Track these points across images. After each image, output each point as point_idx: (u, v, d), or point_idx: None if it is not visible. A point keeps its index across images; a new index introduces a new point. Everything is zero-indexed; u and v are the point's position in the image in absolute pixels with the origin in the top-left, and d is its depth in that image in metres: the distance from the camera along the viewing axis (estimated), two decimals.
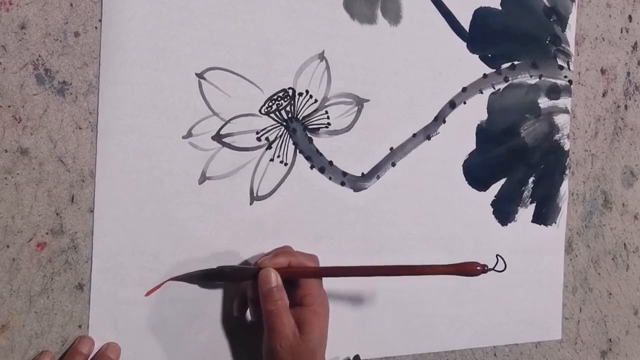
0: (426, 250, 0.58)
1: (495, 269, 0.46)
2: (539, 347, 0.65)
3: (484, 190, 0.62)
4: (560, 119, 0.66)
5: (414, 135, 0.58)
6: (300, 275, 0.47)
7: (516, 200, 0.64)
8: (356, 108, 0.55)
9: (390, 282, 0.54)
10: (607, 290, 0.71)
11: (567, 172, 0.67)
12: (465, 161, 0.60)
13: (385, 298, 0.56)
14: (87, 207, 0.45)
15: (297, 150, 0.52)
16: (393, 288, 0.56)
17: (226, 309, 0.50)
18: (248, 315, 0.50)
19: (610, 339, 0.71)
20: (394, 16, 0.56)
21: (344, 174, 0.54)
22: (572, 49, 0.67)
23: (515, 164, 0.63)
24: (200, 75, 0.48)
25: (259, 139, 0.51)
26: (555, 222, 0.66)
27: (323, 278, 0.49)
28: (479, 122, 0.61)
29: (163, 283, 0.47)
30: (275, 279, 0.45)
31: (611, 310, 0.71)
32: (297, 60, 0.52)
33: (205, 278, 0.48)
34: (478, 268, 0.46)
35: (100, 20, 0.45)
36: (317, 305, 0.46)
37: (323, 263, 0.50)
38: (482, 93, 0.61)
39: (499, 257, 0.47)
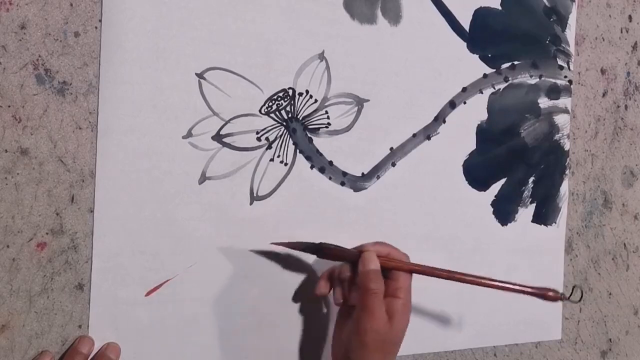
0: (426, 250, 0.58)
1: (571, 299, 0.51)
2: (539, 347, 0.65)
3: (484, 190, 0.62)
4: (560, 119, 0.66)
5: (414, 135, 0.58)
6: (397, 268, 0.48)
7: (516, 200, 0.64)
8: (356, 108, 0.55)
9: None
10: (607, 290, 0.71)
11: (567, 172, 0.67)
12: (465, 161, 0.60)
13: None
14: (87, 207, 0.45)
15: (297, 150, 0.52)
16: None
17: (226, 310, 0.50)
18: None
19: (610, 339, 0.71)
20: (394, 16, 0.56)
21: (344, 174, 0.54)
22: (572, 49, 0.67)
23: (515, 164, 0.63)
24: (200, 75, 0.48)
25: (259, 139, 0.51)
26: (555, 222, 0.66)
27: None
28: (479, 122, 0.61)
29: (164, 283, 0.47)
30: (376, 263, 0.48)
31: (611, 310, 0.71)
32: (297, 60, 0.52)
33: (305, 250, 0.49)
34: (557, 295, 0.50)
35: (100, 20, 0.45)
36: (407, 299, 0.48)
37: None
38: (482, 93, 0.61)
39: (575, 288, 0.52)
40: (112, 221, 0.46)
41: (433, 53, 0.58)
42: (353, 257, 0.49)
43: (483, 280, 0.50)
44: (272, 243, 0.50)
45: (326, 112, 0.54)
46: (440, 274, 0.50)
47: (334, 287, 0.50)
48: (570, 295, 0.51)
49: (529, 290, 0.50)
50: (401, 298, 0.48)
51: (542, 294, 0.50)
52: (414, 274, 0.50)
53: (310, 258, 0.52)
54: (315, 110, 0.53)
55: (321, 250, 0.49)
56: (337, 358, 0.49)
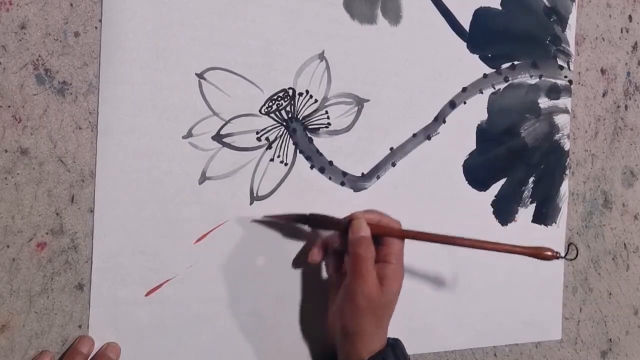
0: (426, 250, 0.58)
1: (567, 257, 0.51)
2: (539, 347, 0.65)
3: (484, 190, 0.62)
4: (560, 119, 0.66)
5: (414, 135, 0.58)
6: (387, 234, 0.49)
7: (516, 200, 0.64)
8: (356, 108, 0.55)
9: None
10: (607, 290, 0.71)
11: (567, 172, 0.67)
12: (465, 161, 0.60)
13: None
14: (87, 207, 0.45)
15: (297, 150, 0.52)
16: None
17: (226, 310, 0.50)
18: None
19: (610, 339, 0.71)
20: (394, 16, 0.56)
21: (344, 174, 0.54)
22: (572, 49, 0.67)
23: (515, 164, 0.63)
24: (200, 75, 0.48)
25: (259, 139, 0.51)
26: (555, 222, 0.66)
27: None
28: (479, 122, 0.61)
29: (164, 283, 0.47)
30: (366, 229, 0.48)
31: (611, 310, 0.71)
32: (297, 60, 0.52)
33: (295, 221, 0.50)
34: (551, 254, 0.49)
35: (100, 20, 0.45)
36: (399, 264, 0.49)
37: None
38: (482, 93, 0.61)
39: (570, 246, 0.52)
40: (112, 221, 0.46)
41: (433, 53, 0.58)
42: (343, 225, 0.49)
43: (476, 243, 0.50)
44: (265, 216, 0.50)
45: (326, 112, 0.54)
46: (432, 238, 0.50)
47: (326, 257, 0.51)
48: (567, 254, 0.51)
49: (524, 250, 0.50)
50: (392, 263, 0.48)
51: (537, 253, 0.50)
52: (408, 240, 0.50)
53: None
54: (315, 110, 0.53)
55: (311, 219, 0.50)
56: (333, 327, 0.50)
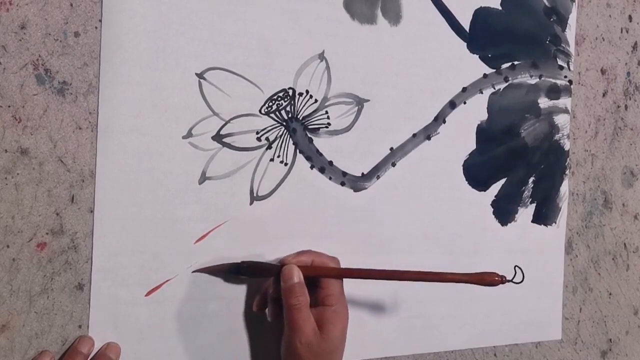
0: (426, 250, 0.58)
1: (514, 280, 0.48)
2: (539, 347, 0.65)
3: (484, 190, 0.62)
4: (560, 119, 0.66)
5: (414, 135, 0.58)
6: (322, 275, 0.48)
7: (516, 200, 0.64)
8: (356, 108, 0.55)
9: (390, 283, 0.54)
10: (607, 290, 0.71)
11: (567, 172, 0.67)
12: (465, 161, 0.60)
13: (385, 298, 0.56)
14: (87, 207, 0.45)
15: (297, 150, 0.52)
16: (393, 288, 0.56)
17: (226, 310, 0.50)
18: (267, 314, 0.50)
19: (610, 339, 0.71)
20: (394, 16, 0.56)
21: (344, 174, 0.54)
22: (572, 49, 0.67)
23: (515, 164, 0.63)
24: (200, 75, 0.48)
25: (259, 139, 0.51)
26: (555, 222, 0.66)
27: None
28: (479, 122, 0.61)
29: (164, 283, 0.47)
30: (298, 275, 0.46)
31: (611, 310, 0.71)
32: (297, 60, 0.52)
33: (227, 272, 0.48)
34: (496, 279, 0.47)
35: (100, 20, 0.45)
36: (339, 305, 0.47)
37: None
38: (482, 93, 0.61)
39: (517, 269, 0.48)
40: (112, 221, 0.46)
41: (433, 53, 0.58)
42: (275, 271, 0.48)
43: (419, 275, 0.48)
44: (194, 271, 0.48)
45: (326, 112, 0.54)
46: (372, 274, 0.49)
47: (268, 304, 0.49)
48: (514, 277, 0.47)
49: (469, 277, 0.47)
50: (332, 305, 0.47)
51: (481, 279, 0.47)
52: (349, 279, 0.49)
53: None
54: (315, 110, 0.53)
55: (242, 269, 0.48)
56: None
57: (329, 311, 0.46)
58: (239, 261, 0.48)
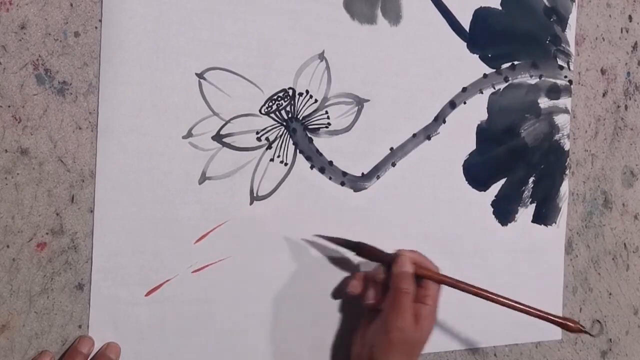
0: (426, 250, 0.58)
1: (592, 333, 0.54)
2: (539, 347, 0.65)
3: (484, 190, 0.62)
4: (560, 119, 0.66)
5: (414, 135, 0.58)
6: (428, 277, 0.50)
7: (516, 200, 0.64)
8: (356, 108, 0.55)
9: None
10: (607, 290, 0.71)
11: (567, 172, 0.67)
12: (465, 161, 0.60)
13: None
14: (87, 207, 0.45)
15: (297, 150, 0.52)
16: None
17: (226, 310, 0.50)
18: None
19: (610, 339, 0.71)
20: (394, 16, 0.56)
21: (344, 174, 0.54)
22: (572, 49, 0.67)
23: (515, 164, 0.63)
24: (200, 75, 0.48)
25: (259, 139, 0.51)
26: (555, 222, 0.66)
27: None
28: (479, 122, 0.61)
29: (164, 283, 0.47)
30: (411, 266, 0.50)
31: (611, 310, 0.71)
32: (297, 60, 0.52)
33: (345, 246, 0.51)
34: (581, 327, 0.53)
35: (100, 20, 0.45)
36: (434, 307, 0.50)
37: None
38: (482, 93, 0.61)
39: (596, 323, 0.57)
40: (112, 221, 0.46)
41: (433, 53, 0.58)
42: (389, 259, 0.50)
43: (508, 302, 0.52)
44: (315, 235, 0.52)
45: (326, 112, 0.54)
46: (468, 289, 0.52)
47: (367, 288, 0.51)
48: (592, 328, 0.55)
49: (551, 318, 0.53)
50: (429, 305, 0.49)
51: (563, 323, 0.53)
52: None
53: (309, 258, 0.52)
54: (315, 110, 0.53)
55: (359, 248, 0.51)
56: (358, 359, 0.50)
57: (425, 309, 0.49)
58: (357, 241, 0.51)
